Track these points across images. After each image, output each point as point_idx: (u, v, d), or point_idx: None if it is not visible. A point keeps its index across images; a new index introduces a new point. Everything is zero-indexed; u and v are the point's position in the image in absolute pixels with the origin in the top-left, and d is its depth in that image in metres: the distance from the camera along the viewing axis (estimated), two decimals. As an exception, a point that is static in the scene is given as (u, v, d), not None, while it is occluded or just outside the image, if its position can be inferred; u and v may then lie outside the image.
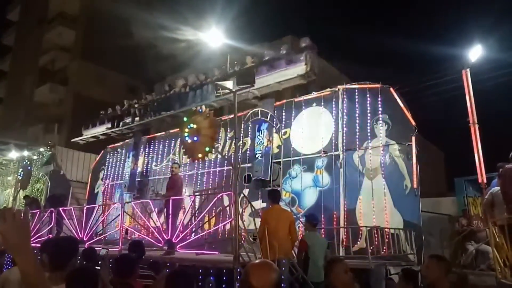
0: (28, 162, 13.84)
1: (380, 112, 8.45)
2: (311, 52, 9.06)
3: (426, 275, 3.52)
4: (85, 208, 9.61)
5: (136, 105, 13.09)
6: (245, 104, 10.08)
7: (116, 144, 14.35)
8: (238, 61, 10.45)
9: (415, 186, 7.57)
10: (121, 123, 13.30)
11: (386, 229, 7.36)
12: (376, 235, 7.14)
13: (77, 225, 9.01)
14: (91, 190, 14.48)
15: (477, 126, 7.31)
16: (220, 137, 10.74)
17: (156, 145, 12.91)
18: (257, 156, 9.50)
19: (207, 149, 6.78)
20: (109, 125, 13.69)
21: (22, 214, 1.38)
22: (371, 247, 6.58)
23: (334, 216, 8.34)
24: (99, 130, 14.10)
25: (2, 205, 17.14)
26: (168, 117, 11.84)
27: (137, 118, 12.76)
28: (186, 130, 6.98)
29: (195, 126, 6.89)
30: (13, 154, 14.15)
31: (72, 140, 14.93)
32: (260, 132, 9.67)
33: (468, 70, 7.75)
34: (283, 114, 9.93)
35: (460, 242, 7.72)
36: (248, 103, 10.19)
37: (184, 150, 7.62)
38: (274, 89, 9.67)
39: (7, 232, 1.33)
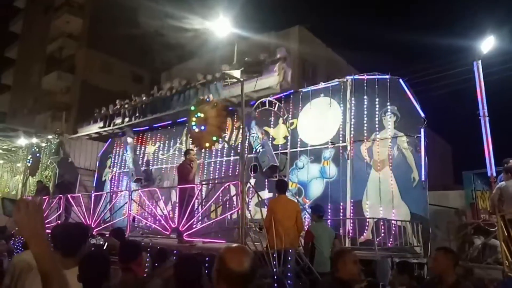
0: (37, 149, 13.98)
1: (388, 103, 8.38)
2: (285, 63, 9.52)
3: (433, 267, 3.53)
4: (93, 195, 9.70)
5: (126, 106, 13.71)
6: (249, 96, 10.20)
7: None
8: (217, 70, 10.89)
9: (423, 178, 7.53)
10: (112, 123, 13.99)
11: (393, 221, 7.36)
12: (382, 227, 7.14)
13: (85, 212, 9.11)
14: (98, 178, 14.61)
15: (487, 119, 7.23)
16: (227, 127, 10.73)
17: (163, 134, 12.95)
18: (258, 150, 9.53)
19: (214, 138, 6.79)
20: (101, 124, 14.38)
21: (36, 203, 1.41)
22: (378, 239, 6.59)
23: (341, 207, 8.34)
24: (93, 128, 14.83)
25: (12, 191, 17.38)
26: (154, 119, 12.55)
27: (126, 119, 13.44)
28: (194, 119, 6.98)
29: (202, 115, 6.90)
30: (22, 141, 14.29)
31: (69, 137, 15.36)
32: (252, 129, 9.74)
33: (479, 62, 7.64)
34: (290, 104, 9.89)
35: (468, 235, 7.69)
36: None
37: (191, 139, 7.63)
38: (250, 97, 9.84)
39: (21, 221, 1.36)
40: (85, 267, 2.11)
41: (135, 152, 12.98)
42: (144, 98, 13.27)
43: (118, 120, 13.79)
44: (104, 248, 5.48)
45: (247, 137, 9.56)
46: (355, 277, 2.70)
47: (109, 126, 14.04)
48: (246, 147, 9.34)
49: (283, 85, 9.51)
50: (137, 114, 13.10)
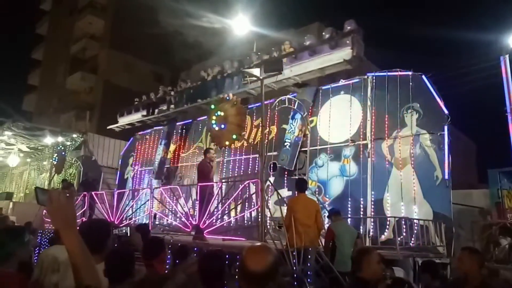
0: (62, 148, 14.39)
1: (411, 100, 8.23)
2: (357, 35, 8.52)
3: (458, 267, 3.45)
4: (116, 192, 9.92)
5: (171, 93, 13.07)
6: (275, 92, 10.03)
7: (145, 131, 14.68)
8: (276, 47, 10.15)
9: (446, 177, 7.37)
10: (156, 111, 13.28)
11: (415, 220, 7.23)
12: (404, 226, 7.03)
13: (109, 209, 9.33)
14: (121, 176, 14.93)
15: (515, 115, 7.01)
16: (246, 125, 10.76)
17: (184, 133, 13.11)
18: (285, 144, 9.45)
19: (234, 136, 6.82)
20: (144, 113, 13.68)
21: (68, 195, 1.44)
22: (399, 238, 6.49)
23: (361, 206, 8.26)
24: (135, 117, 14.15)
25: (38, 188, 17.96)
26: (204, 104, 11.53)
27: (172, 106, 12.80)
28: (214, 117, 7.04)
29: (222, 113, 6.94)
30: (48, 140, 14.72)
31: (108, 128, 15.05)
32: (294, 121, 9.52)
33: (507, 56, 7.42)
34: (310, 102, 9.82)
35: (493, 236, 7.48)
36: (287, 89, 10.03)
37: (211, 137, 7.70)
38: (316, 75, 9.34)
39: (53, 212, 1.39)
40: (110, 263, 2.17)
41: (167, 149, 12.81)
42: (189, 84, 12.63)
43: (163, 107, 13.14)
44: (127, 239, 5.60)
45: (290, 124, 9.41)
46: (379, 276, 2.67)
47: (152, 114, 13.35)
48: (266, 145, 9.35)
49: (356, 60, 8.46)
50: (184, 100, 12.41)
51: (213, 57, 23.43)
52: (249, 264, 1.62)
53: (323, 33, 9.28)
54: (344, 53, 8.48)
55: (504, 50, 7.59)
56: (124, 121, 14.67)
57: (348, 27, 8.71)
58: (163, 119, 13.45)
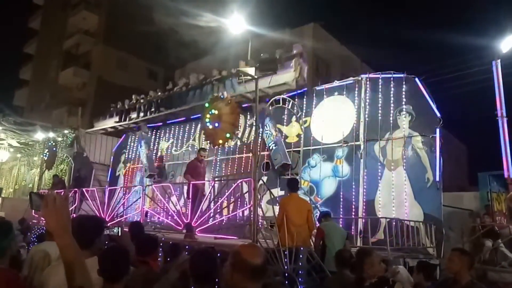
0: (53, 144, 14.24)
1: (404, 102, 8.30)
2: (301, 59, 9.34)
3: (448, 267, 3.50)
4: (107, 189, 9.85)
5: (141, 101, 13.68)
6: (264, 91, 10.09)
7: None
8: (232, 66, 10.83)
9: (437, 179, 7.44)
10: (127, 118, 14.03)
11: (406, 222, 7.29)
12: (395, 227, 7.08)
13: (100, 206, 9.27)
14: (112, 173, 14.82)
15: (505, 119, 7.10)
16: (240, 124, 10.75)
17: (177, 131, 13.05)
18: (271, 147, 9.53)
19: (227, 135, 6.80)
20: (117, 119, 14.43)
21: (63, 199, 1.45)
22: (390, 239, 6.54)
23: (353, 206, 8.30)
24: (108, 123, 14.92)
25: (28, 184, 17.77)
26: (169, 114, 12.63)
27: (141, 114, 13.45)
28: (208, 115, 7.01)
29: (216, 112, 6.92)
30: (39, 135, 14.57)
31: (86, 131, 15.50)
32: (266, 127, 9.67)
33: (499, 61, 7.51)
34: (304, 102, 9.86)
35: (479, 238, 7.57)
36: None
37: (205, 135, 7.67)
38: (266, 93, 9.77)
39: (48, 215, 1.41)
40: (106, 262, 2.14)
41: (149, 147, 13.08)
42: (159, 93, 13.31)
43: (133, 115, 13.87)
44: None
45: (260, 133, 9.53)
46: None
47: (124, 120, 14.16)
48: (259, 144, 9.35)
49: (299, 82, 9.34)
50: (152, 109, 13.09)
51: (207, 55, 23.40)
52: (246, 257, 1.68)
53: (276, 54, 9.78)
54: (288, 75, 9.29)
55: (496, 55, 7.68)
56: (98, 126, 15.50)
57: (295, 50, 9.47)
58: (134, 126, 14.08)
